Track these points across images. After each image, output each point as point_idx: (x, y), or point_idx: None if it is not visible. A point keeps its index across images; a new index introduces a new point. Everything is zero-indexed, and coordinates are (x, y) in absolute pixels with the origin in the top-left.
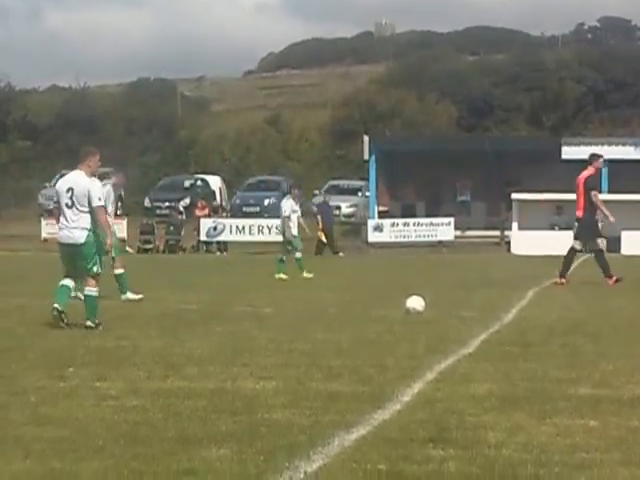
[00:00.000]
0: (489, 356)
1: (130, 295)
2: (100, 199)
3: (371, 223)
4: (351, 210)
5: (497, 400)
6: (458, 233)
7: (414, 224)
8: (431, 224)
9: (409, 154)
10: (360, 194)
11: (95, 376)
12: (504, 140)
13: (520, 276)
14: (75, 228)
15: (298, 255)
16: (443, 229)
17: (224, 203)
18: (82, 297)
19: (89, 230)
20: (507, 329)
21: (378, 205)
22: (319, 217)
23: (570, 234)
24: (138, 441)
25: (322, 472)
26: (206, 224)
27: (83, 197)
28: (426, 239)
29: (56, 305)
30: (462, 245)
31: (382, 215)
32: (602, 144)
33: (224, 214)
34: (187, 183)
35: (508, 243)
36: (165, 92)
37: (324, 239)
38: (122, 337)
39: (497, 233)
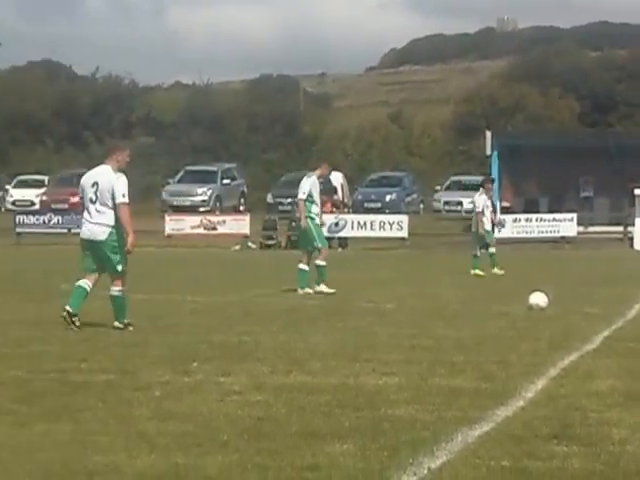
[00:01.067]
0: (612, 352)
1: (323, 288)
2: (124, 195)
3: None
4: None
5: (620, 396)
6: (581, 229)
7: (536, 220)
8: (554, 220)
9: (532, 149)
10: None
11: (219, 371)
12: (628, 136)
13: None
14: (96, 224)
15: (492, 250)
16: (566, 225)
17: (346, 199)
18: None
19: (111, 227)
20: (630, 325)
21: (500, 201)
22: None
23: None
24: (262, 436)
25: (445, 468)
26: (328, 220)
27: (107, 192)
28: (548, 235)
29: (67, 307)
30: (585, 241)
31: (504, 211)
32: None
33: (346, 210)
34: None
35: (631, 239)
36: (288, 88)
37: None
38: (245, 332)
39: (620, 229)
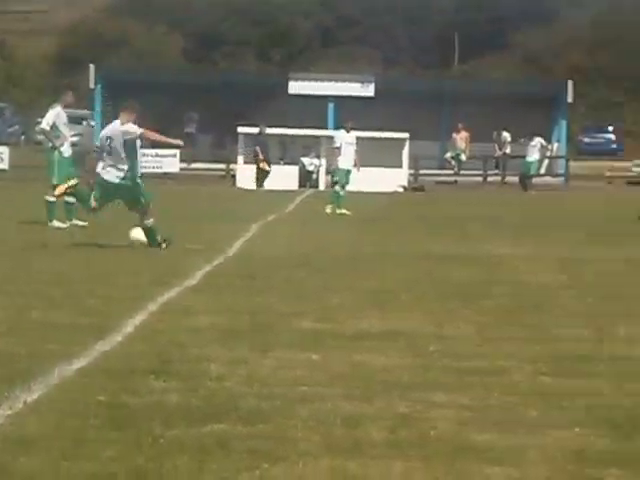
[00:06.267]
0: (213, 289)
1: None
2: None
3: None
4: (76, 139)
5: (219, 333)
6: (184, 165)
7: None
8: (157, 155)
9: (136, 84)
10: (85, 123)
11: None
12: (232, 73)
13: (245, 210)
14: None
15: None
16: (168, 161)
17: None
18: None
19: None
20: (231, 262)
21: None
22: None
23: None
24: None
25: (42, 402)
26: None
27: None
28: (152, 170)
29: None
30: (187, 177)
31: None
32: (329, 80)
33: None
34: None
35: (234, 177)
36: None
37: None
38: None
39: (223, 166)
